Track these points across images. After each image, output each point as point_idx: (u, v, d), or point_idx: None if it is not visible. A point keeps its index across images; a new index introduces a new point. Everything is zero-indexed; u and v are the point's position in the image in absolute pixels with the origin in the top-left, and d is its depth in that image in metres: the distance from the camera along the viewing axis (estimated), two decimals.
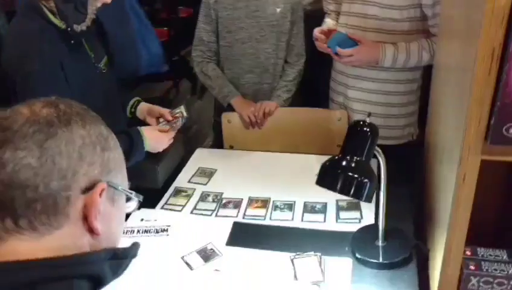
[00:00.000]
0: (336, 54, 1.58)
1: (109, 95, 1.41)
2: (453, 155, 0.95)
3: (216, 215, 1.40)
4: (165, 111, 1.50)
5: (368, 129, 0.99)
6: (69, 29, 1.21)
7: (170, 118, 1.50)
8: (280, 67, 1.82)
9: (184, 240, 1.29)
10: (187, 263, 1.21)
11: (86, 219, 0.59)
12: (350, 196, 0.99)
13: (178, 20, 3.68)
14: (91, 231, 0.60)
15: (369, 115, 1.00)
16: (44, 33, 1.20)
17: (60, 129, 0.58)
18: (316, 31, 1.66)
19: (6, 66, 1.23)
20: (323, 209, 1.39)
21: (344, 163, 0.99)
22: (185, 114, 1.54)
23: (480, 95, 0.79)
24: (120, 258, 0.62)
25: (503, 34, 0.73)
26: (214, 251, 1.25)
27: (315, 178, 1.06)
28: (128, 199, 0.67)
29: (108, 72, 1.44)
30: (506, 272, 1.01)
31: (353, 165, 0.98)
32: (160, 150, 1.42)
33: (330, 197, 1.40)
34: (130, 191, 0.66)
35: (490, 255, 1.05)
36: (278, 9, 1.73)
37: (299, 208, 1.41)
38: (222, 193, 1.49)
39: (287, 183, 1.51)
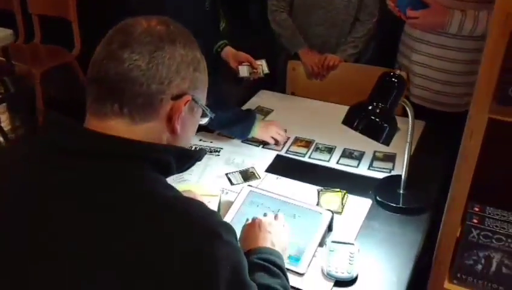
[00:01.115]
0: (405, 14, 1.63)
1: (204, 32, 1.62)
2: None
3: (263, 147, 1.59)
4: (252, 59, 1.69)
5: (395, 80, 1.09)
6: None
7: (256, 65, 1.70)
8: (349, 24, 1.91)
9: (231, 162, 1.50)
10: (229, 179, 1.42)
11: (169, 119, 0.74)
12: (370, 137, 1.11)
13: None
14: (171, 130, 0.75)
15: (402, 68, 1.09)
16: None
17: (167, 44, 0.72)
18: None
19: None
20: (360, 156, 1.52)
21: (370, 108, 1.11)
22: (265, 70, 1.74)
23: (492, 57, 0.87)
24: (186, 156, 0.80)
25: None
26: (254, 173, 1.45)
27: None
28: (202, 115, 0.83)
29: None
30: (506, 230, 1.08)
31: (377, 111, 1.10)
32: (266, 139, 1.56)
33: (369, 148, 1.53)
34: (206, 107, 0.82)
35: (497, 214, 1.13)
36: None
37: (338, 152, 1.55)
38: None
39: (334, 130, 1.63)
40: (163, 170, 0.74)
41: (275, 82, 2.07)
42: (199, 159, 0.82)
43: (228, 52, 1.76)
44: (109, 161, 0.69)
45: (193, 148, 1.55)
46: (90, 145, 0.70)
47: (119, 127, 0.72)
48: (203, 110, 0.81)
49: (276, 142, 1.57)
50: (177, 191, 0.73)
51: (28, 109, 2.88)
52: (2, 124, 3.20)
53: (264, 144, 1.58)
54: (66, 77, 3.14)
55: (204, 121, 0.84)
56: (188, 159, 0.80)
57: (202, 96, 0.81)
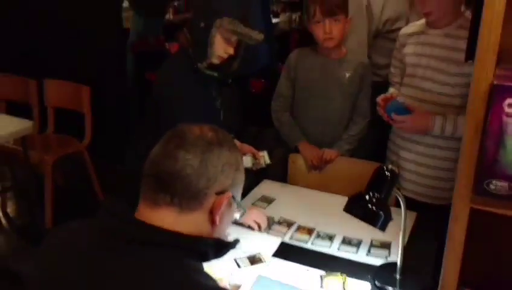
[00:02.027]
0: (392, 119, 1.84)
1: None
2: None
3: (268, 233, 1.70)
4: (255, 151, 1.88)
5: (388, 173, 1.26)
6: (195, 66, 1.65)
7: (259, 156, 1.88)
8: (345, 122, 2.12)
9: (239, 247, 1.60)
10: (237, 263, 1.52)
11: (211, 212, 0.88)
12: (367, 222, 1.25)
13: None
14: (211, 222, 0.88)
15: (392, 163, 1.26)
16: (188, 68, 1.65)
17: (216, 147, 0.86)
18: (379, 98, 1.93)
19: (158, 93, 1.68)
20: (358, 243, 1.64)
21: (367, 197, 1.26)
22: (267, 161, 1.92)
23: (469, 156, 1.04)
24: (224, 246, 0.93)
25: (483, 112, 0.99)
26: (260, 258, 1.55)
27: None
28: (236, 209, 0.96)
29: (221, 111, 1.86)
30: None
31: (374, 200, 1.25)
32: (250, 223, 1.67)
33: (366, 236, 1.65)
34: (240, 203, 0.96)
35: None
36: (348, 75, 2.06)
37: (338, 239, 1.67)
38: (274, 217, 1.79)
39: (333, 219, 1.77)
40: (202, 258, 0.87)
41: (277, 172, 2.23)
42: (233, 247, 0.95)
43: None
44: (157, 250, 0.81)
45: None
46: (142, 235, 0.82)
47: (168, 217, 0.85)
48: (238, 206, 0.95)
49: (259, 227, 1.69)
50: (214, 280, 0.86)
51: (36, 197, 2.98)
52: (8, 210, 3.29)
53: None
54: (75, 166, 3.29)
55: (238, 215, 0.99)
56: (224, 248, 0.93)
57: (239, 193, 0.95)
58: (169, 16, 6.05)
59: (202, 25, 1.58)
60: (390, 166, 1.27)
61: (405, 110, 1.80)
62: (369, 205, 1.24)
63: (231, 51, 1.63)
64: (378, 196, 1.25)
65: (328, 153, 2.08)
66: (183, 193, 0.84)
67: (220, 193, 0.88)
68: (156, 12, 5.29)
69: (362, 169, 2.09)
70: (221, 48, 1.61)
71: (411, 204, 1.75)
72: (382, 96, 1.94)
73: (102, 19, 3.75)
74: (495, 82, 0.96)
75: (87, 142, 3.20)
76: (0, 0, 3.76)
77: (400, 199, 1.33)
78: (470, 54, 1.10)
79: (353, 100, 2.10)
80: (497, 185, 1.01)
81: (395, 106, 1.82)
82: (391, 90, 2.03)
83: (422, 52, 1.85)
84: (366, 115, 2.13)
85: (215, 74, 1.67)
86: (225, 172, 0.88)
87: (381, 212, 1.23)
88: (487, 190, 1.02)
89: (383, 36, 2.42)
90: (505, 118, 0.95)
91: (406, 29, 1.97)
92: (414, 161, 1.91)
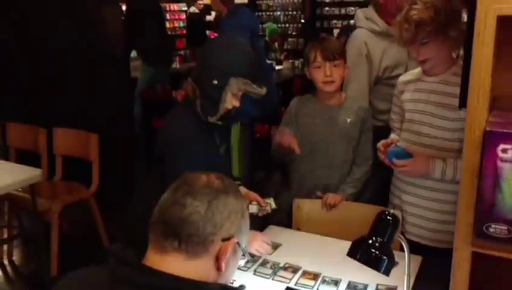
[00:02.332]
0: (393, 163, 1.87)
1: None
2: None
3: (273, 279, 1.70)
4: (261, 199, 1.92)
5: (390, 218, 1.28)
6: (205, 119, 1.72)
7: (265, 204, 1.91)
8: (348, 167, 2.16)
9: None
10: None
11: (217, 259, 0.90)
12: (371, 267, 1.26)
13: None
14: (217, 268, 0.91)
15: (395, 206, 1.28)
16: (195, 119, 1.72)
17: (222, 195, 0.90)
18: (379, 144, 1.96)
19: (164, 142, 1.74)
20: (364, 288, 1.63)
21: (370, 242, 1.28)
22: (273, 206, 1.95)
23: (467, 201, 1.06)
24: None
25: (479, 158, 1.02)
26: None
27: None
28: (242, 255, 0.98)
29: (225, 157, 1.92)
30: None
31: (377, 244, 1.26)
32: (252, 251, 1.69)
33: (372, 281, 1.64)
34: (246, 250, 0.99)
35: None
36: (349, 120, 2.11)
37: (343, 284, 1.66)
38: (280, 263, 1.79)
39: (339, 264, 1.76)
40: None
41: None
42: None
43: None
44: None
45: None
46: (153, 282, 0.85)
47: (175, 262, 0.87)
48: (243, 252, 0.97)
49: (261, 253, 1.73)
50: None
51: (43, 245, 2.99)
52: (14, 258, 3.29)
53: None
54: (82, 213, 3.31)
55: (243, 262, 1.01)
56: None
57: (244, 240, 0.98)
58: (176, 64, 6.26)
59: (215, 82, 1.65)
60: (392, 211, 1.29)
61: (406, 155, 1.83)
62: (372, 250, 1.26)
63: (237, 104, 1.71)
64: (381, 240, 1.27)
65: (332, 197, 2.10)
66: (190, 238, 0.87)
67: (226, 239, 0.90)
68: (164, 62, 5.48)
69: (367, 213, 2.11)
70: (230, 103, 1.69)
71: (416, 247, 1.76)
72: (383, 141, 1.97)
73: (111, 68, 3.89)
74: (487, 128, 0.99)
75: (94, 189, 3.23)
76: (10, 49, 3.91)
77: (403, 244, 1.34)
78: (463, 101, 1.15)
79: (355, 144, 2.14)
80: (497, 228, 1.03)
81: (396, 152, 1.85)
82: (392, 136, 2.07)
83: (419, 98, 1.91)
84: (369, 158, 2.16)
85: (219, 123, 1.73)
86: (231, 219, 0.91)
87: (384, 256, 1.24)
88: (487, 234, 1.04)
89: (383, 82, 2.49)
90: (499, 163, 0.99)
91: (404, 77, 2.04)
92: (417, 204, 1.92)
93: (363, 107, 2.19)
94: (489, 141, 0.99)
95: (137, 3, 5.12)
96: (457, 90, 1.76)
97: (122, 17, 4.73)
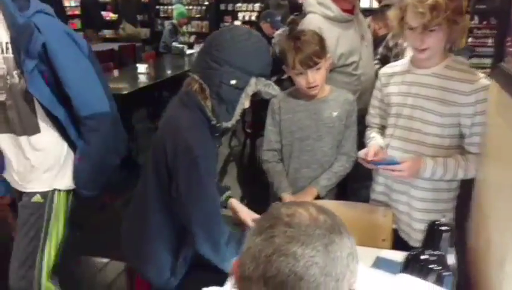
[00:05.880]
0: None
1: None
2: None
3: None
4: (249, 219, 1.73)
5: (444, 228, 1.19)
6: (218, 124, 1.45)
7: (251, 224, 1.73)
8: None
9: None
10: None
11: None
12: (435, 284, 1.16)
13: None
14: None
15: (444, 216, 1.20)
16: (204, 124, 1.44)
17: (337, 237, 0.69)
18: (364, 154, 1.78)
19: (171, 151, 1.41)
20: None
21: (426, 256, 1.18)
22: None
23: None
24: None
25: None
26: None
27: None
28: None
29: None
30: None
31: (434, 258, 1.17)
32: None
33: None
34: None
35: None
36: (335, 114, 1.98)
37: None
38: None
39: None
40: None
41: None
42: None
43: (231, 205, 1.82)
44: None
45: None
46: None
47: None
48: None
49: None
50: None
51: None
52: None
53: None
54: None
55: None
56: None
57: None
58: None
59: (233, 82, 1.40)
60: (443, 219, 1.20)
61: (394, 161, 1.72)
62: (430, 265, 1.16)
63: (248, 104, 1.48)
64: (437, 253, 1.17)
65: (302, 197, 1.96)
66: None
67: None
68: None
69: (349, 212, 2.00)
70: (245, 104, 1.47)
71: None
72: (371, 152, 1.78)
73: None
74: None
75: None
76: None
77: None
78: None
79: (340, 139, 2.03)
80: None
81: (389, 162, 1.73)
82: (374, 136, 1.93)
83: (408, 92, 1.82)
84: (349, 154, 2.04)
85: (229, 126, 1.49)
86: (350, 266, 0.70)
87: (447, 272, 1.15)
88: None
89: (338, 70, 2.39)
90: None
91: (389, 69, 1.93)
92: (405, 202, 1.87)
93: (349, 99, 2.05)
94: None
95: None
96: (450, 83, 1.73)
97: None
